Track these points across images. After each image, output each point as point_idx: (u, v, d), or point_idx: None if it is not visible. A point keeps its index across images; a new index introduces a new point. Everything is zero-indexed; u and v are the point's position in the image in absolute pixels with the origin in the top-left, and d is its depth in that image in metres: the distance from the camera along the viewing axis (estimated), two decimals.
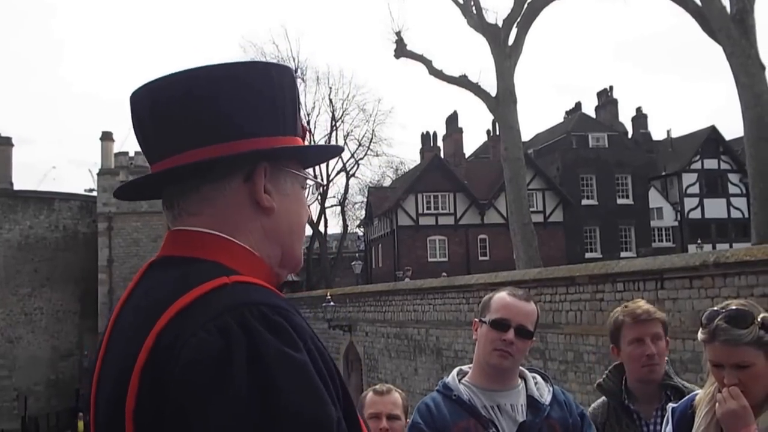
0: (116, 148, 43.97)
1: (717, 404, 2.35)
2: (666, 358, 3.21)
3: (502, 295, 2.78)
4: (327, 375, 1.04)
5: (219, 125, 1.16)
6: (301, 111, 1.34)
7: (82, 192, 45.59)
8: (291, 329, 1.02)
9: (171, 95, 1.17)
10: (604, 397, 3.27)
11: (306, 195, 1.30)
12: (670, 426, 2.61)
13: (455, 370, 2.85)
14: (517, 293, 2.80)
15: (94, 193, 42.99)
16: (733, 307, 2.38)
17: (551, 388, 2.76)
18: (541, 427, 2.61)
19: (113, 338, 1.14)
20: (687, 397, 2.70)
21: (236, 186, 1.18)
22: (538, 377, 2.80)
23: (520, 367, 2.79)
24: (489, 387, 2.70)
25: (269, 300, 1.06)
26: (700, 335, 2.42)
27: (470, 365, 2.85)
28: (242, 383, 0.95)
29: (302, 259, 1.31)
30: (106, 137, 43.53)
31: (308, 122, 41.71)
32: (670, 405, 2.73)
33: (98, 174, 42.10)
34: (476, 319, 2.82)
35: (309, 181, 1.29)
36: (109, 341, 1.15)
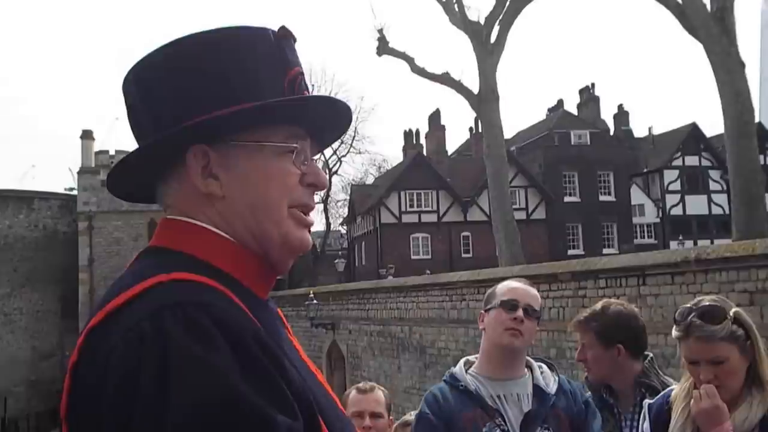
0: (96, 146, 43.62)
1: (693, 402, 2.36)
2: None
3: (507, 282, 2.92)
4: (271, 375, 0.96)
5: (152, 116, 1.13)
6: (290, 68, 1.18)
7: (62, 191, 45.23)
8: (214, 328, 0.94)
9: (127, 91, 1.17)
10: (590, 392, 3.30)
11: (307, 156, 1.17)
12: (647, 422, 2.65)
13: (462, 361, 2.89)
14: (521, 280, 2.97)
15: (75, 192, 42.66)
16: (706, 303, 2.44)
17: (557, 377, 2.81)
18: (547, 416, 2.64)
19: None
20: (663, 393, 2.74)
21: (180, 175, 1.12)
22: (544, 366, 2.85)
23: (527, 357, 2.83)
24: (496, 376, 2.74)
25: (199, 299, 0.98)
26: (674, 332, 2.47)
27: (476, 356, 2.88)
28: (147, 396, 0.90)
29: (295, 237, 1.15)
30: (87, 136, 43.17)
31: None
32: (647, 401, 2.77)
33: (78, 173, 41.78)
34: (482, 311, 2.88)
35: (283, 147, 1.14)
36: None
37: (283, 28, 1.18)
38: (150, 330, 0.94)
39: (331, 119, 1.24)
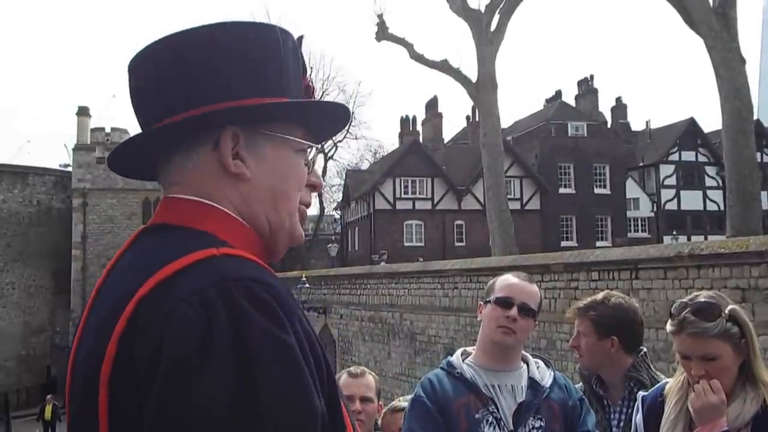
0: (92, 123, 43.48)
1: (694, 395, 2.36)
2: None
3: (506, 276, 2.89)
4: (313, 359, 1.00)
5: (186, 92, 1.13)
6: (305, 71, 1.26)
7: (57, 167, 45.08)
8: (278, 308, 0.98)
9: (145, 65, 1.17)
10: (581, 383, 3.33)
11: (308, 158, 1.24)
12: (640, 414, 2.64)
13: (459, 350, 2.92)
14: (520, 275, 2.92)
15: (70, 169, 42.56)
16: (701, 300, 2.41)
17: (553, 373, 2.82)
18: (540, 407, 2.67)
19: (96, 305, 1.11)
20: (657, 386, 2.74)
21: (205, 154, 1.14)
22: (541, 362, 2.86)
23: (523, 352, 2.84)
24: (491, 367, 2.76)
25: (257, 275, 1.02)
26: (668, 326, 2.46)
27: (474, 347, 2.90)
28: (224, 365, 0.92)
29: (298, 231, 1.22)
30: (83, 112, 43.02)
31: None
32: (641, 393, 2.77)
33: (74, 149, 41.70)
34: (481, 302, 2.90)
35: (303, 144, 1.22)
36: (93, 307, 1.12)
37: (301, 38, 1.24)
38: (217, 298, 0.95)
39: (332, 125, 1.32)
